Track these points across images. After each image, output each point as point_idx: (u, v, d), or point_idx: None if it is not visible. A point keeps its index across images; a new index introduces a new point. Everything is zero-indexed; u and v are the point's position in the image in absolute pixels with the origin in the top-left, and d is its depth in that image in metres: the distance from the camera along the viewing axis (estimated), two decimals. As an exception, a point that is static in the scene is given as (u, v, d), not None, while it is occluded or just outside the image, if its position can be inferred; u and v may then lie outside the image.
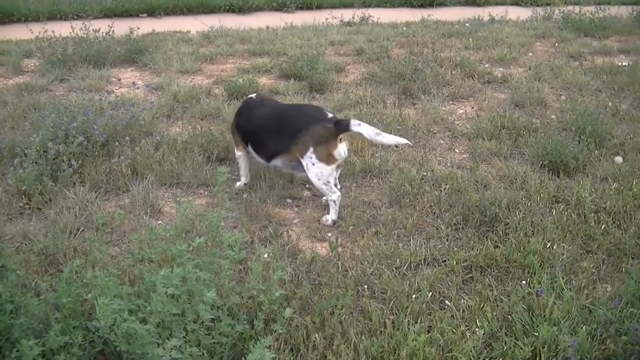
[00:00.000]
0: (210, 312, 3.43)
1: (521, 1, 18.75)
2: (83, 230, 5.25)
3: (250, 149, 5.93)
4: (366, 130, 5.30)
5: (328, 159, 5.39)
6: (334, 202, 5.50)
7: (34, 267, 4.60)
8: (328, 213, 5.59)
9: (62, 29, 10.74)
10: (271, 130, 5.68)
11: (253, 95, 6.39)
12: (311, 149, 5.38)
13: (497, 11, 14.99)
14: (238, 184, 6.18)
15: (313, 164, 5.40)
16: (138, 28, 11.49)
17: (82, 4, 15.15)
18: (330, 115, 5.49)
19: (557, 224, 5.25)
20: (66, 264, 4.58)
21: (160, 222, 5.47)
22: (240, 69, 9.86)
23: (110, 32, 10.82)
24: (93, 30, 10.53)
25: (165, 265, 4.19)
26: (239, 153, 6.07)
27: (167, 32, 12.79)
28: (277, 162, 5.73)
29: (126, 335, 3.28)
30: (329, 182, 5.46)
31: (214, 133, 6.89)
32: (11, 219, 5.47)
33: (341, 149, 5.41)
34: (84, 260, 4.56)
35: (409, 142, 5.64)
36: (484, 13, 14.78)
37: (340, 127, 5.33)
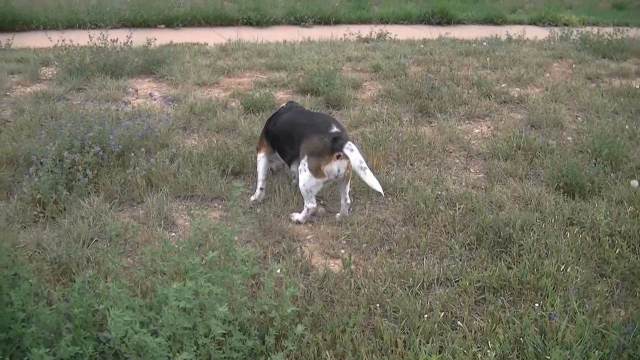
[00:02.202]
0: (222, 327, 3.43)
1: (539, 21, 18.74)
2: (96, 241, 5.24)
3: (276, 153, 6.14)
4: (354, 157, 5.37)
5: (317, 171, 5.52)
6: (308, 209, 5.73)
7: (47, 276, 4.60)
8: (299, 212, 5.81)
9: (80, 38, 10.79)
10: (288, 136, 5.85)
11: (284, 103, 6.58)
12: (305, 157, 5.55)
13: (514, 30, 14.96)
14: (254, 197, 6.23)
15: (304, 170, 5.56)
16: (155, 39, 11.52)
17: (100, 14, 15.26)
18: (334, 129, 5.58)
19: (572, 246, 5.20)
20: (79, 273, 4.58)
21: (173, 234, 5.47)
22: (257, 83, 9.87)
23: (128, 43, 10.86)
24: (111, 40, 10.57)
25: (177, 278, 4.18)
26: (260, 154, 6.25)
27: (185, 44, 12.86)
28: (294, 167, 5.83)
29: (137, 347, 3.27)
30: (311, 192, 5.63)
31: (230, 146, 6.91)
32: (25, 227, 5.48)
33: (334, 166, 5.49)
34: (96, 270, 4.54)
35: (382, 193, 5.60)
36: (501, 32, 14.78)
37: (335, 144, 5.41)
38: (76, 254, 4.88)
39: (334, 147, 5.41)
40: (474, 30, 16.41)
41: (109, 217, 5.57)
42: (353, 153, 5.34)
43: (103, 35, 10.55)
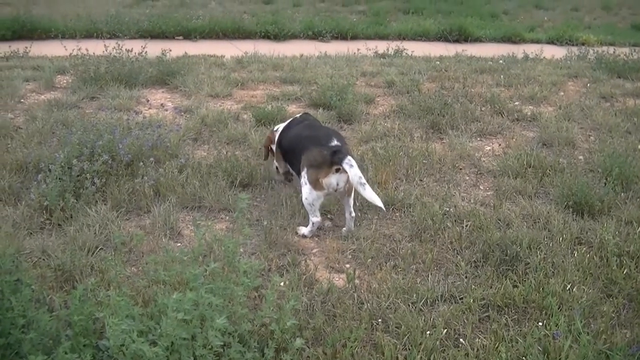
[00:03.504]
0: (221, 338, 3.43)
1: (557, 40, 18.67)
2: (101, 249, 5.26)
3: (288, 166, 6.30)
4: (353, 173, 5.37)
5: (315, 184, 5.56)
6: (313, 223, 5.74)
7: (50, 283, 4.63)
8: (306, 226, 5.82)
9: (97, 48, 10.83)
10: (294, 149, 5.96)
11: (299, 114, 6.71)
12: (305, 169, 5.63)
13: (532, 49, 14.91)
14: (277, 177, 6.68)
15: (305, 184, 5.64)
16: (170, 50, 11.55)
17: (119, 24, 15.31)
18: (334, 143, 5.59)
19: (578, 266, 5.18)
20: (82, 281, 4.60)
21: (179, 244, 5.48)
22: (270, 96, 9.87)
23: (143, 53, 10.89)
24: (126, 50, 10.60)
25: (179, 288, 4.19)
26: (276, 164, 6.56)
27: (201, 56, 12.87)
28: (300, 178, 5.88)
29: (135, 356, 3.27)
30: (314, 205, 5.66)
31: (239, 158, 6.93)
32: (31, 233, 5.51)
33: (333, 179, 5.51)
34: (99, 278, 4.57)
35: (383, 208, 5.58)
36: (519, 50, 14.72)
37: (334, 157, 5.43)
38: (80, 261, 4.91)
39: (333, 160, 5.43)
40: (491, 48, 16.35)
41: (115, 226, 5.59)
42: (352, 169, 5.35)
43: (118, 44, 10.59)
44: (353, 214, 5.82)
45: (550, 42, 18.57)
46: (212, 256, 4.94)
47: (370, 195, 5.37)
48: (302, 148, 5.71)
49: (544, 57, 14.30)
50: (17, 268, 4.11)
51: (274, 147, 6.54)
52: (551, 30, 19.79)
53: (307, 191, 5.61)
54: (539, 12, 24.64)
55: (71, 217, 5.72)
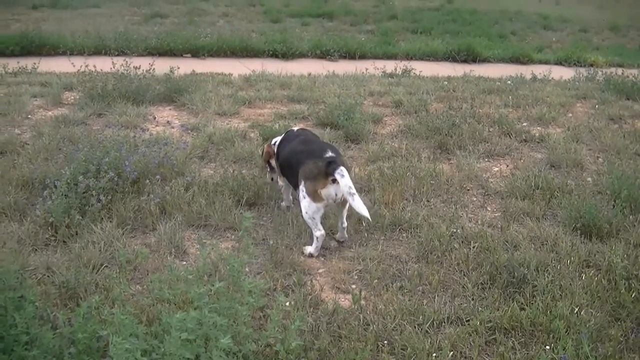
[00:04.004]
0: (225, 358, 3.40)
1: (565, 61, 18.65)
2: (106, 266, 5.24)
3: (285, 179, 6.32)
4: (343, 183, 5.40)
5: (314, 195, 5.59)
6: (317, 238, 5.72)
7: (54, 300, 4.61)
8: (310, 245, 5.80)
9: (105, 64, 10.87)
10: (290, 164, 6.00)
11: (295, 128, 6.74)
12: (303, 183, 5.66)
13: (540, 69, 14.89)
14: (282, 204, 6.62)
15: (304, 197, 5.66)
16: (178, 68, 11.58)
17: (127, 41, 15.40)
18: (329, 154, 5.66)
19: (586, 289, 5.13)
20: (86, 298, 4.57)
21: (184, 263, 5.45)
22: (278, 115, 9.86)
23: (151, 70, 10.92)
24: (134, 67, 10.62)
25: (184, 307, 4.16)
26: (281, 183, 6.50)
27: (209, 74, 12.87)
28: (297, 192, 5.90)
29: (137, 376, 3.25)
30: (314, 218, 5.66)
31: (246, 177, 6.91)
32: (36, 249, 5.49)
33: (331, 190, 5.54)
34: (104, 296, 4.55)
35: (369, 219, 5.58)
36: (527, 71, 14.70)
37: (329, 168, 5.47)
38: (85, 279, 4.88)
39: (328, 171, 5.47)
40: (499, 68, 16.36)
41: (120, 244, 5.57)
42: (343, 179, 5.39)
43: (126, 61, 10.63)
44: (345, 225, 5.92)
45: (559, 63, 18.55)
46: (217, 275, 4.91)
47: (358, 205, 5.39)
48: (298, 163, 5.77)
49: (552, 78, 14.26)
50: (22, 284, 4.10)
51: (272, 161, 6.58)
52: (559, 51, 19.78)
53: (306, 205, 5.64)
54: (547, 33, 24.66)
55: (76, 234, 5.70)
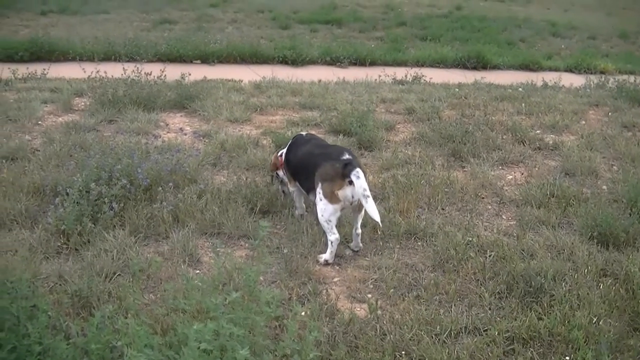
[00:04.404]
0: (243, 370, 3.35)
1: (575, 68, 18.59)
2: (119, 275, 5.18)
3: (297, 183, 6.28)
4: (358, 184, 5.41)
5: (331, 197, 5.58)
6: (332, 243, 5.67)
7: (66, 309, 4.56)
8: (323, 253, 5.76)
9: (115, 70, 10.84)
10: (305, 167, 5.99)
11: (303, 132, 6.79)
12: (320, 185, 5.65)
13: (550, 77, 14.81)
14: (296, 212, 6.57)
15: (320, 200, 5.65)
16: (190, 74, 11.53)
17: (137, 47, 15.35)
18: (345, 156, 5.67)
19: (604, 298, 5.07)
20: (99, 307, 4.50)
21: (198, 271, 5.40)
22: (290, 121, 9.82)
23: (162, 76, 10.87)
24: (145, 73, 10.58)
25: (199, 316, 4.11)
26: (292, 188, 6.46)
27: (219, 80, 12.83)
28: (312, 196, 5.92)
29: (154, 388, 3.20)
30: (330, 221, 5.64)
31: (259, 184, 6.87)
32: (48, 257, 5.45)
33: (348, 192, 5.53)
34: (117, 305, 4.49)
35: (380, 224, 5.59)
36: (537, 78, 14.65)
37: (345, 170, 5.47)
38: (97, 287, 4.82)
39: (344, 173, 5.46)
40: (509, 75, 16.31)
41: (133, 252, 5.51)
42: (359, 180, 5.40)
43: (137, 68, 10.59)
44: (359, 231, 5.86)
45: (569, 70, 18.48)
46: (231, 284, 4.84)
47: (371, 207, 5.38)
48: (315, 165, 5.77)
49: (563, 85, 14.21)
50: (34, 293, 4.06)
51: (280, 172, 6.58)
52: (569, 58, 19.73)
53: (322, 207, 5.63)
54: (556, 40, 24.57)
55: (88, 242, 5.65)
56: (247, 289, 3.94)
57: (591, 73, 17.58)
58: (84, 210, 5.84)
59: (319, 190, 5.65)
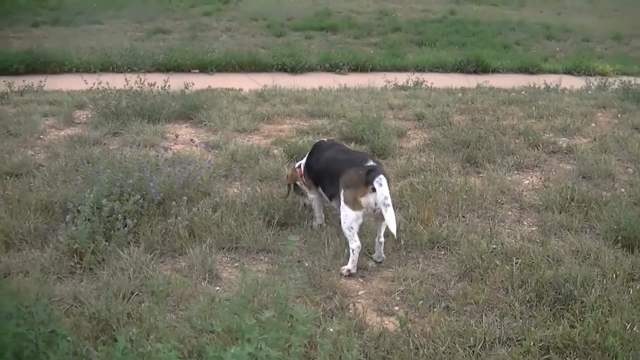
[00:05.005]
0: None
1: (574, 70, 18.59)
2: (137, 294, 4.99)
3: (320, 189, 6.20)
4: (380, 192, 5.37)
5: (354, 203, 5.53)
6: (353, 251, 5.57)
7: (86, 333, 4.35)
8: (346, 264, 5.64)
9: (114, 81, 10.64)
10: (328, 173, 5.96)
11: (325, 139, 6.80)
12: (342, 191, 5.62)
13: (550, 79, 14.77)
14: (314, 223, 6.44)
15: (343, 206, 5.61)
16: (193, 84, 11.37)
17: (134, 57, 15.27)
18: (369, 163, 5.68)
19: (635, 303, 4.97)
20: (119, 330, 4.33)
21: (218, 288, 5.24)
22: (299, 130, 9.67)
23: (166, 87, 10.71)
24: (148, 84, 10.40)
25: (227, 336, 3.95)
26: (312, 196, 6.40)
27: (221, 89, 12.71)
28: (334, 203, 5.93)
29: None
30: (352, 228, 5.56)
31: (275, 196, 6.73)
32: (61, 278, 5.25)
33: (371, 199, 5.47)
34: (139, 327, 4.30)
35: (395, 235, 5.47)
36: (538, 81, 14.59)
37: (368, 176, 5.46)
38: (116, 308, 4.63)
39: (368, 180, 5.41)
40: (510, 78, 16.26)
41: (150, 270, 5.32)
42: (381, 187, 5.36)
43: (140, 78, 10.39)
44: (382, 240, 5.75)
45: (568, 72, 18.53)
46: (256, 301, 4.67)
47: (390, 216, 5.32)
48: (340, 171, 5.73)
49: (565, 88, 14.15)
50: (50, 317, 3.88)
51: (298, 182, 6.51)
52: (565, 61, 19.86)
53: (345, 213, 5.57)
54: (551, 42, 24.62)
55: (103, 261, 5.44)
56: (277, 307, 3.79)
57: (590, 75, 17.59)
58: (96, 228, 5.63)
59: (341, 196, 5.61)
